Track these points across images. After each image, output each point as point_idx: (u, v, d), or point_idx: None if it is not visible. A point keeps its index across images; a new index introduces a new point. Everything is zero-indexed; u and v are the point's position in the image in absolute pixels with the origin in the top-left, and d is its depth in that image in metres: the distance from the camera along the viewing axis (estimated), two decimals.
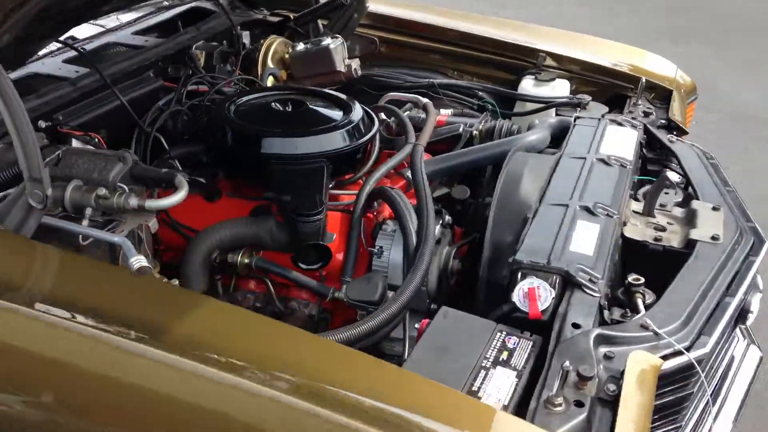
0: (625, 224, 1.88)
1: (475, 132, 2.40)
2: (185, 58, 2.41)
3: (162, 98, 2.30)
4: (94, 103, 2.11)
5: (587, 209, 1.83)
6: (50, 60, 2.24)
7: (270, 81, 2.64)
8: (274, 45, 2.72)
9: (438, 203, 2.22)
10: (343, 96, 2.28)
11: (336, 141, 2.05)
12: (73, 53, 2.32)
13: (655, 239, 1.85)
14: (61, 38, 2.25)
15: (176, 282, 1.76)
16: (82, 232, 1.59)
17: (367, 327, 1.47)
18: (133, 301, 1.43)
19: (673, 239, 1.86)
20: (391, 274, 1.87)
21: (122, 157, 1.76)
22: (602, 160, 2.09)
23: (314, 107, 2.21)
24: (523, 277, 1.59)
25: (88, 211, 1.67)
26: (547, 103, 2.65)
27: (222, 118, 2.05)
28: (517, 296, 1.54)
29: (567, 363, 1.35)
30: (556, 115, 2.60)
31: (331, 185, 2.09)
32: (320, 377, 1.25)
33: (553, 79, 2.76)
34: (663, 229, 1.91)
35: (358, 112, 2.16)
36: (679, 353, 1.45)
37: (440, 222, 1.92)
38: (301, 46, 2.69)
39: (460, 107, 2.77)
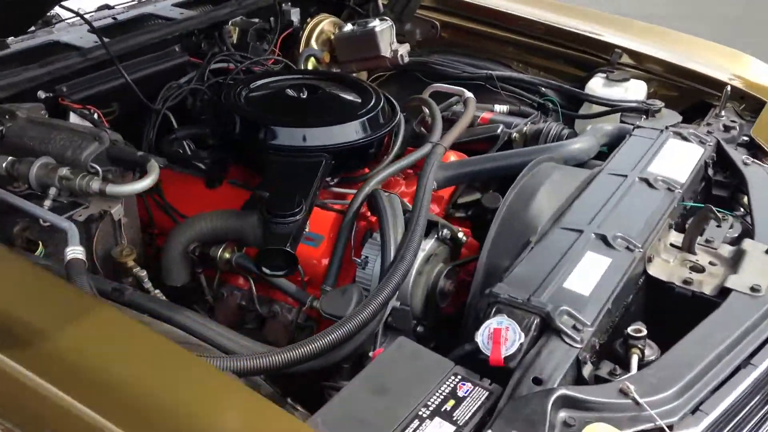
0: (650, 260, 1.60)
1: (515, 134, 2.16)
2: (216, 34, 2.31)
3: (188, 74, 2.22)
4: (107, 76, 2.04)
5: (603, 239, 1.58)
6: (76, 28, 2.20)
7: (311, 63, 2.50)
8: (322, 24, 2.58)
9: (466, 210, 2.02)
10: (366, 83, 2.11)
11: (343, 134, 1.89)
12: (107, 22, 2.28)
13: (685, 281, 1.57)
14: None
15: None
16: (33, 212, 1.52)
17: (281, 359, 1.30)
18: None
19: (707, 284, 1.57)
20: (374, 287, 1.69)
21: (98, 136, 1.68)
22: (646, 181, 1.81)
23: (330, 95, 2.05)
24: (496, 313, 1.38)
25: (52, 191, 1.61)
26: (613, 107, 2.36)
27: (230, 102, 1.93)
28: (482, 336, 1.33)
29: (513, 430, 1.14)
30: (621, 121, 2.30)
31: (334, 181, 1.93)
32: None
33: (626, 80, 2.45)
34: (701, 270, 1.62)
35: (376, 102, 1.98)
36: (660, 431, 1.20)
37: (436, 236, 1.72)
38: (348, 27, 2.53)
39: (518, 104, 2.52)
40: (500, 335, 1.31)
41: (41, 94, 1.89)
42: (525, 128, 2.20)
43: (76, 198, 1.64)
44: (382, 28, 2.47)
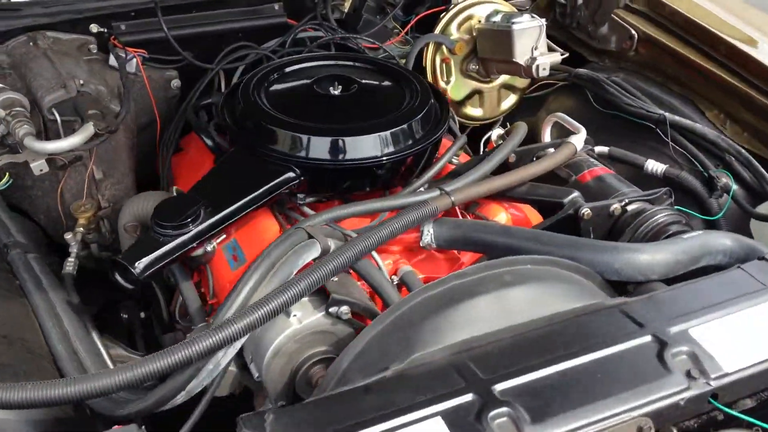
0: None
1: (585, 211, 1.56)
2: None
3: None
4: (176, 23, 1.96)
5: (478, 415, 1.05)
6: None
7: (431, 54, 2.11)
8: (475, 8, 2.15)
9: None
10: (422, 82, 1.72)
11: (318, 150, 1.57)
12: None
13: None
14: None
15: None
16: None
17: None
18: None
19: None
20: None
21: (65, 84, 1.62)
22: (659, 345, 1.17)
23: (365, 95, 1.71)
24: None
25: (0, 128, 1.60)
26: None
27: (241, 92, 1.70)
28: None
29: None
30: None
31: (305, 200, 1.62)
32: None
33: None
34: None
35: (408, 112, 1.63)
36: None
37: (324, 311, 1.33)
38: (497, 18, 2.07)
39: (682, 167, 1.85)
40: None
41: (93, 28, 1.88)
42: (613, 207, 1.58)
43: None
44: (523, 27, 1.96)
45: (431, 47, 2.10)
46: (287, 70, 1.77)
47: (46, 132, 1.65)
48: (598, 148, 1.92)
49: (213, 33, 2.01)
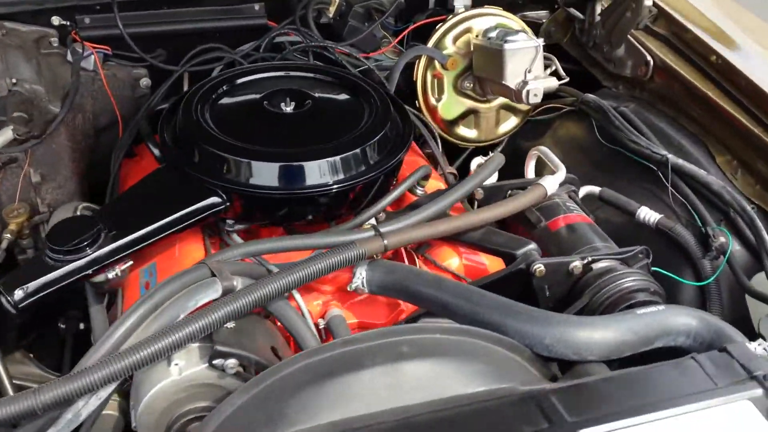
0: None
1: (538, 267, 1.37)
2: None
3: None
4: (147, 18, 1.86)
5: None
6: None
7: (422, 69, 1.94)
8: (475, 20, 1.96)
9: None
10: (384, 98, 1.58)
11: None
12: None
13: None
14: None
15: None
16: None
17: None
18: None
19: None
20: None
21: None
22: None
23: (317, 113, 1.57)
24: None
25: None
26: None
27: (184, 103, 1.58)
28: None
29: None
30: None
31: (234, 227, 1.50)
32: None
33: None
34: None
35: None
36: None
37: (206, 363, 1.20)
38: (493, 34, 1.88)
39: (679, 218, 1.65)
40: None
41: (55, 20, 1.79)
42: (573, 265, 1.39)
43: None
44: (516, 47, 1.77)
45: (423, 61, 1.93)
46: (240, 81, 1.64)
47: None
48: (588, 188, 1.73)
49: (187, 31, 1.90)
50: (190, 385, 1.20)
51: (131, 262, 1.39)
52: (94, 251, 1.32)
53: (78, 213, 1.46)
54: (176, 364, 1.20)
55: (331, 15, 1.92)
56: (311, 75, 1.69)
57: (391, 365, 1.09)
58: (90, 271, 1.32)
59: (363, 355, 1.10)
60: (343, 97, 1.65)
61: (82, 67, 1.77)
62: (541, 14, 2.23)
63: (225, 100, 1.59)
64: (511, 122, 2.09)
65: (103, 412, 1.24)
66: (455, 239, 1.51)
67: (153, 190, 1.46)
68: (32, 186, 1.67)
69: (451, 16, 1.96)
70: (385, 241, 1.36)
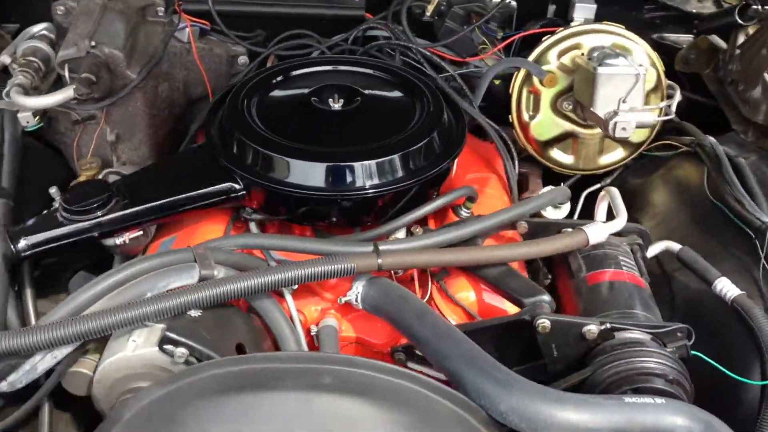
0: None
1: (540, 322, 1.22)
2: None
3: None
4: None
5: None
6: None
7: (515, 84, 1.80)
8: (586, 36, 1.78)
9: None
10: (439, 102, 1.53)
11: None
12: None
13: None
14: None
15: None
16: None
17: None
18: None
19: None
20: None
21: (77, 42, 1.63)
22: None
23: (362, 113, 1.52)
24: None
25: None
26: None
27: (234, 91, 1.59)
28: None
29: None
30: None
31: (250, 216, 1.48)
32: None
33: None
34: None
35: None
36: None
37: None
38: (596, 54, 1.70)
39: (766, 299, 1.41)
40: None
41: None
42: (587, 328, 1.22)
43: None
44: (611, 72, 1.59)
45: (521, 73, 1.78)
46: (296, 73, 1.62)
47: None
48: (667, 244, 1.52)
49: (285, 15, 1.91)
50: (141, 363, 1.20)
51: (141, 232, 1.42)
52: (103, 215, 1.36)
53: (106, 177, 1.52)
54: (134, 341, 1.21)
55: (429, 14, 1.83)
56: (368, 71, 1.62)
57: (306, 394, 1.02)
58: (96, 234, 1.36)
59: (279, 376, 1.04)
60: (396, 96, 1.57)
61: (177, 39, 1.83)
62: (683, 38, 1.98)
63: (276, 92, 1.57)
64: (616, 154, 1.88)
65: (78, 369, 1.27)
66: (477, 273, 1.38)
67: (178, 167, 1.48)
68: (108, 144, 1.75)
69: (561, 29, 1.79)
70: (380, 260, 1.27)
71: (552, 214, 1.57)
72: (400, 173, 1.42)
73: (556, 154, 1.87)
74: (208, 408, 1.01)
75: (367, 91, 1.56)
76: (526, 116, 1.84)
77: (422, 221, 1.53)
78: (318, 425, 0.98)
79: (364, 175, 1.39)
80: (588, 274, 1.37)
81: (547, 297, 1.27)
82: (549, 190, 1.52)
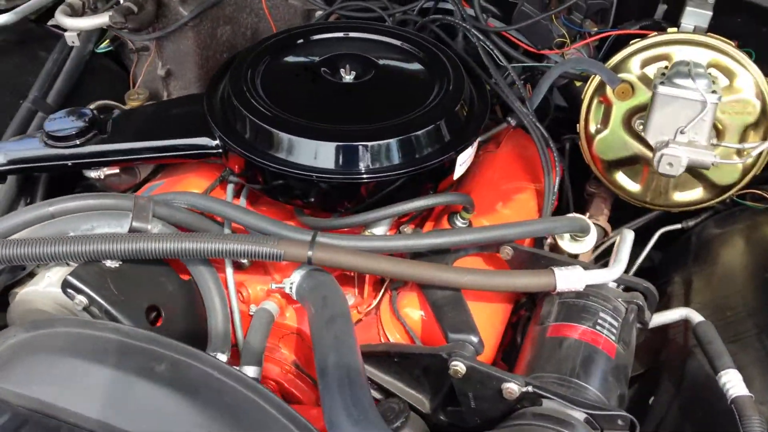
0: None
1: (454, 364, 1.06)
2: None
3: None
4: None
5: None
6: None
7: (587, 96, 1.57)
8: (680, 48, 1.51)
9: None
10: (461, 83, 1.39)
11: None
12: None
13: None
14: None
15: None
16: None
17: None
18: None
19: None
20: None
21: None
22: None
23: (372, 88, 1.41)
24: None
25: None
26: None
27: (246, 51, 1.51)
28: None
29: None
30: None
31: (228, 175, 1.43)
32: None
33: None
34: None
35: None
36: None
37: None
38: (675, 70, 1.44)
39: None
40: None
41: None
42: (507, 386, 1.04)
43: None
44: (672, 94, 1.33)
45: (598, 78, 1.55)
46: (315, 37, 1.52)
47: None
48: (687, 313, 1.28)
49: None
50: (50, 300, 1.21)
51: (117, 170, 1.41)
52: (80, 145, 1.36)
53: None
54: (48, 277, 1.21)
55: None
56: (390, 41, 1.50)
57: (133, 377, 0.95)
58: (69, 163, 1.37)
59: (120, 350, 0.98)
60: (414, 73, 1.44)
61: None
62: None
63: (286, 57, 1.49)
64: (693, 193, 1.59)
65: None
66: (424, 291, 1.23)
67: (170, 113, 1.45)
68: (159, 78, 1.77)
69: (653, 35, 1.53)
70: (310, 253, 1.16)
71: (569, 247, 1.35)
72: (385, 161, 1.28)
73: (621, 178, 1.62)
74: (42, 365, 0.98)
75: (382, 63, 1.44)
76: (592, 127, 1.60)
77: (421, 222, 1.39)
78: (128, 413, 0.92)
79: (343, 157, 1.27)
80: (554, 324, 1.17)
81: (475, 338, 1.10)
82: (559, 217, 1.31)
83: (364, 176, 1.27)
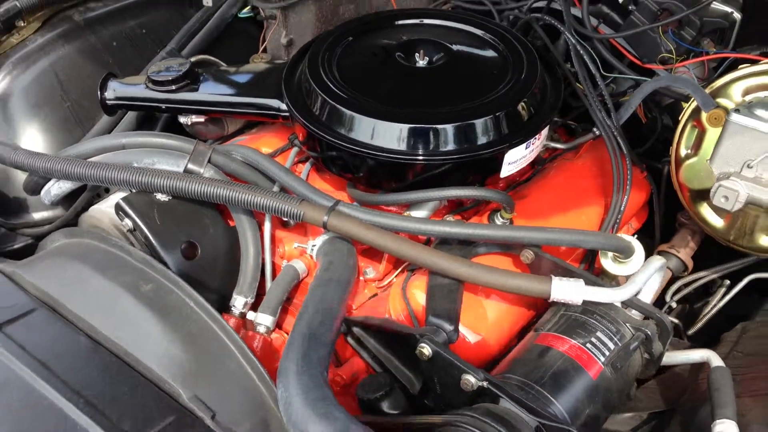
0: None
1: (421, 347, 1.10)
2: None
3: None
4: None
5: None
6: None
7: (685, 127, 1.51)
8: None
9: None
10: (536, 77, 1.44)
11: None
12: None
13: None
14: None
15: None
16: None
17: None
18: None
19: None
20: None
21: None
22: None
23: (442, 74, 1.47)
24: None
25: None
26: None
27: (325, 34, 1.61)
28: None
29: None
30: None
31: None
32: None
33: None
34: None
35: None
36: None
37: None
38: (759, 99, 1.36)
39: None
40: None
41: None
42: (465, 378, 1.07)
43: None
44: (745, 124, 1.26)
45: (686, 115, 1.48)
46: (400, 22, 1.59)
47: None
48: (709, 356, 1.22)
49: None
50: (107, 219, 1.39)
51: (203, 119, 1.58)
52: (174, 92, 1.54)
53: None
54: (113, 198, 1.40)
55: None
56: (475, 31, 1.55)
57: (121, 290, 1.10)
58: (163, 106, 1.56)
59: (120, 265, 1.13)
60: (488, 62, 1.49)
61: None
62: None
63: (368, 38, 1.57)
64: None
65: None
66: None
67: (255, 74, 1.58)
68: (281, 45, 1.93)
69: (765, 62, 1.43)
70: (326, 218, 1.25)
71: (610, 267, 1.31)
72: (432, 146, 1.33)
73: (705, 211, 1.54)
74: (59, 266, 1.16)
75: (456, 49, 1.50)
76: (683, 152, 1.53)
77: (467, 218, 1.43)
78: (111, 321, 1.06)
79: (395, 137, 1.34)
80: (546, 332, 1.17)
81: (449, 327, 1.13)
82: (592, 232, 1.28)
83: (410, 157, 1.33)
